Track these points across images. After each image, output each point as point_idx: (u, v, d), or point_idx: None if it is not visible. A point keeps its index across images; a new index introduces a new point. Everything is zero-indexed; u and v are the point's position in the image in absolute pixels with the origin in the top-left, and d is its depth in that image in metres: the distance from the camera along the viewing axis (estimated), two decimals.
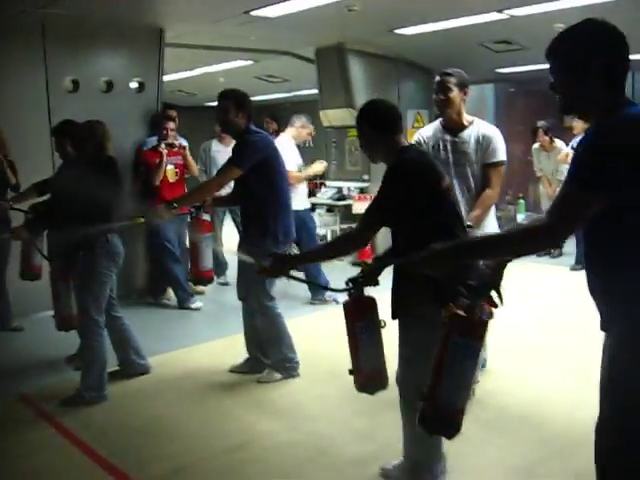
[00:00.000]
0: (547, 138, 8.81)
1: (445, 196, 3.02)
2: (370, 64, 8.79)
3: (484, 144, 4.24)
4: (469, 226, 3.84)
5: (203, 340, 5.77)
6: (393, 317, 3.02)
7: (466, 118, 4.31)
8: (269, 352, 4.85)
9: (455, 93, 4.21)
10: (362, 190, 9.29)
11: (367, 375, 2.90)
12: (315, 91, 9.35)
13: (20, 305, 6.11)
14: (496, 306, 2.46)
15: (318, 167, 7.17)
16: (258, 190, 4.51)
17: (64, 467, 3.69)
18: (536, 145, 9.10)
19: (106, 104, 6.87)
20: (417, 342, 2.93)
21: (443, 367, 2.36)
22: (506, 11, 6.54)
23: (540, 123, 8.89)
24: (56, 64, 6.65)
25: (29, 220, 5.10)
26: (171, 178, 6.90)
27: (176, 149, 6.89)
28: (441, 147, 4.29)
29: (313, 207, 8.57)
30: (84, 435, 4.03)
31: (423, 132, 4.49)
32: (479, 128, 4.29)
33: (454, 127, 4.29)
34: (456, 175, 4.22)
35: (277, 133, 7.52)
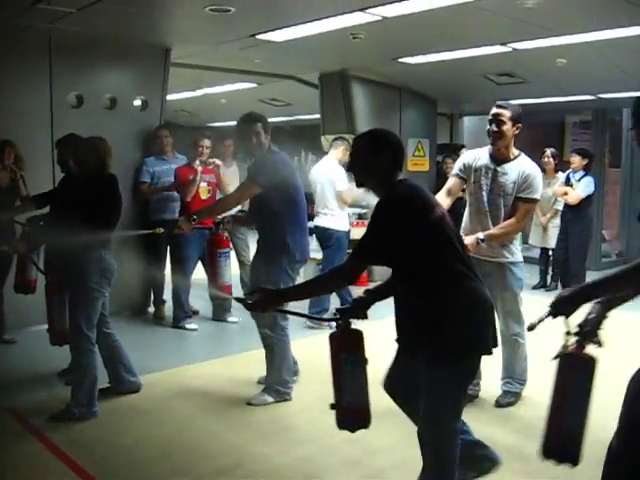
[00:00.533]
0: (553, 162, 8.62)
1: (439, 226, 2.88)
2: (373, 91, 8.86)
3: (523, 180, 4.41)
4: (482, 240, 4.31)
5: (196, 360, 5.74)
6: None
7: (512, 151, 4.49)
8: (268, 372, 4.81)
9: (508, 126, 4.37)
10: (360, 216, 9.30)
11: (348, 409, 2.82)
12: (317, 116, 9.41)
13: (14, 318, 6.06)
14: (600, 345, 2.53)
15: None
16: (276, 208, 4.55)
17: None
18: None
19: (109, 121, 6.90)
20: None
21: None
22: (510, 44, 6.61)
23: (550, 149, 8.77)
24: (61, 79, 6.69)
25: (27, 233, 5.10)
26: (203, 195, 6.95)
27: (210, 167, 6.93)
28: (483, 172, 4.48)
29: (310, 232, 8.62)
30: (72, 451, 3.98)
31: (469, 155, 4.69)
32: (522, 164, 4.47)
33: (500, 158, 4.46)
34: (489, 202, 4.45)
35: None
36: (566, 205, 8.27)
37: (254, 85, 9.85)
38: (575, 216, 8.18)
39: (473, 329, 2.81)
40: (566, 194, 8.09)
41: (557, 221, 8.53)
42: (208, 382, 5.10)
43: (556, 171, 8.71)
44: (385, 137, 3.08)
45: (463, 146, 11.81)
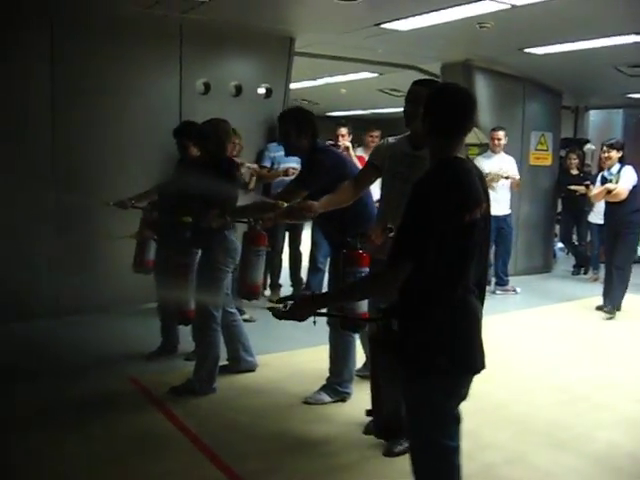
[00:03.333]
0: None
1: (468, 231, 2.44)
2: (496, 82, 8.68)
3: None
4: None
5: (308, 344, 5.81)
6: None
7: None
8: (335, 369, 4.63)
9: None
10: None
11: (387, 419, 2.63)
12: None
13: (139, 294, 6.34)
14: None
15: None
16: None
17: (171, 450, 3.84)
18: None
19: (234, 108, 7.10)
20: None
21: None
22: None
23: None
24: (190, 67, 6.95)
25: (150, 217, 5.29)
26: None
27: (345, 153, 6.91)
28: (399, 160, 3.84)
29: None
30: (190, 422, 4.17)
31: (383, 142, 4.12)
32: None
33: (418, 143, 3.73)
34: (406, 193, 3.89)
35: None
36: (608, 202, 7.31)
37: (375, 75, 9.85)
38: (624, 211, 7.11)
39: (459, 348, 2.48)
40: (609, 192, 7.11)
41: None
42: (320, 366, 5.15)
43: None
44: (449, 91, 2.57)
45: (588, 141, 11.42)
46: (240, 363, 5.05)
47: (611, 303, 7.16)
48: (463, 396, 2.57)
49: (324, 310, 2.72)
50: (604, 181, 7.30)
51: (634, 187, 7.02)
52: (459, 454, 2.55)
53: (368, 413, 2.65)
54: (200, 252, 4.66)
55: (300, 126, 4.36)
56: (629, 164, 7.18)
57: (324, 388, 4.64)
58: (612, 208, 7.22)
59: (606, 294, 7.29)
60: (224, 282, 4.67)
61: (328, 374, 4.65)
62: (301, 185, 4.30)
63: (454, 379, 2.51)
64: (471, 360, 2.51)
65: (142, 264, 5.47)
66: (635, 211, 7.06)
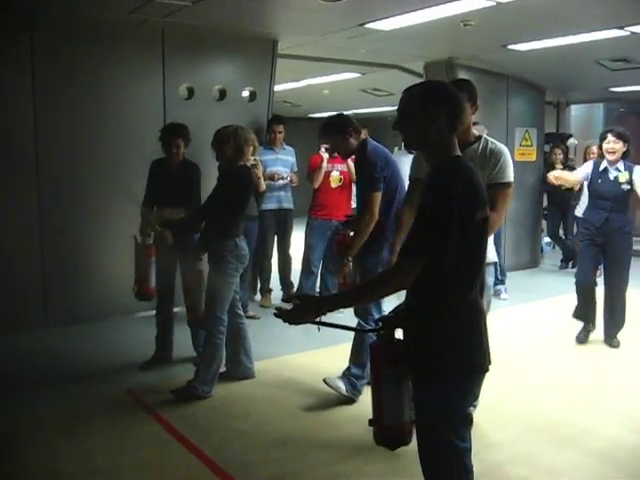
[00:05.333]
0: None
1: (477, 230, 2.43)
2: (480, 79, 8.58)
3: (491, 160, 3.83)
4: None
5: (304, 349, 5.77)
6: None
7: (473, 133, 3.95)
8: (353, 359, 4.68)
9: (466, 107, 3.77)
10: None
11: (388, 428, 2.53)
12: None
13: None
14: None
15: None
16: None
17: (171, 463, 3.77)
18: None
19: (218, 112, 7.04)
20: None
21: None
22: (628, 28, 6.34)
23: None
24: (173, 71, 6.88)
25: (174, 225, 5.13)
26: (333, 183, 7.12)
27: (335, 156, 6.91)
28: None
29: None
30: (189, 434, 4.10)
31: None
32: (487, 143, 3.92)
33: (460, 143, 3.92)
34: None
35: None
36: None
37: (357, 75, 9.82)
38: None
39: (471, 350, 2.46)
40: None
41: None
42: (320, 370, 5.11)
43: None
44: (438, 89, 2.53)
45: (570, 135, 11.48)
46: (239, 368, 5.02)
47: (615, 330, 5.95)
48: (476, 395, 2.55)
49: (328, 321, 2.61)
50: (604, 179, 5.81)
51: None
52: (470, 455, 2.52)
53: (370, 423, 2.58)
54: (209, 258, 4.74)
55: (343, 132, 4.61)
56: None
57: (343, 377, 4.65)
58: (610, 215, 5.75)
59: (606, 324, 5.99)
60: (232, 287, 4.73)
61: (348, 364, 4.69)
62: (375, 190, 4.49)
63: (470, 379, 2.51)
64: (483, 359, 2.50)
65: (147, 291, 5.21)
66: (631, 220, 5.90)
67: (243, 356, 5.02)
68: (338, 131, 4.65)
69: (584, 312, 6.04)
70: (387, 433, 2.55)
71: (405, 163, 5.77)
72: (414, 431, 2.54)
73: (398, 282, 2.42)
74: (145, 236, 5.13)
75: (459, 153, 2.51)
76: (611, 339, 5.94)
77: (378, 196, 4.49)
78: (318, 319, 2.50)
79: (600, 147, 5.93)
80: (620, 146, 5.70)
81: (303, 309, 2.49)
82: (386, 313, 2.72)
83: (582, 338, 6.04)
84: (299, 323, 2.49)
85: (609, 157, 5.74)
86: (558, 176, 6.41)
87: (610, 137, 5.73)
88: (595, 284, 6.01)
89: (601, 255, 5.87)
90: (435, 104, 2.44)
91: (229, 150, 4.66)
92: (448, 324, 2.41)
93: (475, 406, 4.35)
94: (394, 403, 2.48)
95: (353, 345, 4.68)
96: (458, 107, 2.49)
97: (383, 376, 2.49)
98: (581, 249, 6.15)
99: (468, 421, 2.56)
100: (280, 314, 2.51)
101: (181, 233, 4.99)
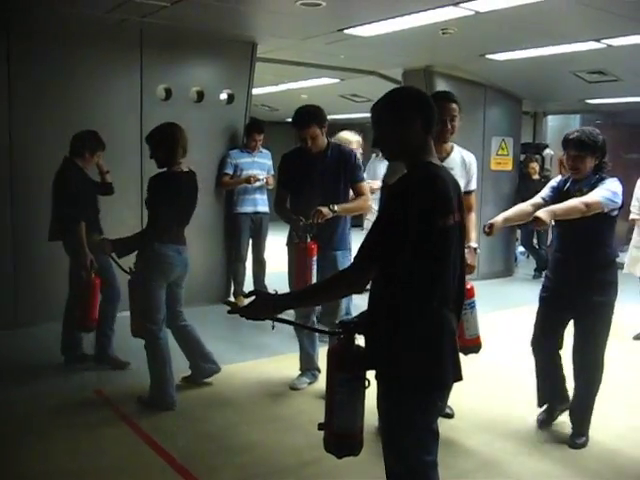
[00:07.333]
0: None
1: (442, 237, 2.37)
2: (457, 88, 8.67)
3: (471, 170, 4.20)
4: (475, 249, 4.24)
5: (275, 353, 5.76)
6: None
7: (449, 143, 4.17)
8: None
9: (457, 119, 4.05)
10: None
11: (337, 434, 2.48)
12: None
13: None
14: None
15: None
16: None
17: (138, 465, 3.74)
18: None
19: (196, 114, 7.03)
20: None
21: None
22: (604, 40, 6.41)
23: None
24: (151, 72, 6.84)
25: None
26: None
27: None
28: None
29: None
30: (156, 436, 4.07)
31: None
32: (461, 153, 4.19)
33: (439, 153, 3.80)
34: None
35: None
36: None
37: (336, 80, 9.82)
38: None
39: (428, 364, 2.39)
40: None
41: None
42: (287, 375, 5.10)
43: None
44: (410, 96, 2.52)
45: (547, 146, 11.59)
46: (198, 371, 4.94)
47: (582, 426, 4.12)
48: (440, 410, 2.53)
49: (285, 317, 2.66)
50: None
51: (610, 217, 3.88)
52: (436, 467, 2.49)
53: (320, 427, 2.53)
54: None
55: (322, 124, 4.59)
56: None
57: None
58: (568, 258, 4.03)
59: (572, 412, 4.20)
60: (156, 294, 4.50)
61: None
62: None
63: (427, 395, 2.43)
64: (443, 376, 2.42)
65: (91, 320, 5.06)
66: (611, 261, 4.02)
67: (198, 359, 4.91)
68: (320, 123, 4.55)
69: None
70: (335, 440, 2.50)
71: (381, 169, 5.83)
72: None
73: (350, 283, 2.46)
74: (92, 269, 4.99)
75: (433, 159, 2.48)
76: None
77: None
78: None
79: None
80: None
81: (257, 306, 2.49)
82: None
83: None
84: (253, 319, 2.50)
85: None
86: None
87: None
88: None
89: None
90: (409, 110, 2.44)
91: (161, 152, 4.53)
92: (403, 333, 2.36)
93: (451, 415, 4.40)
94: (345, 409, 2.43)
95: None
96: (431, 110, 2.47)
97: (336, 380, 2.44)
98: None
99: (435, 434, 2.49)
100: (233, 310, 2.55)
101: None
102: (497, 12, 5.43)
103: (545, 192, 4.14)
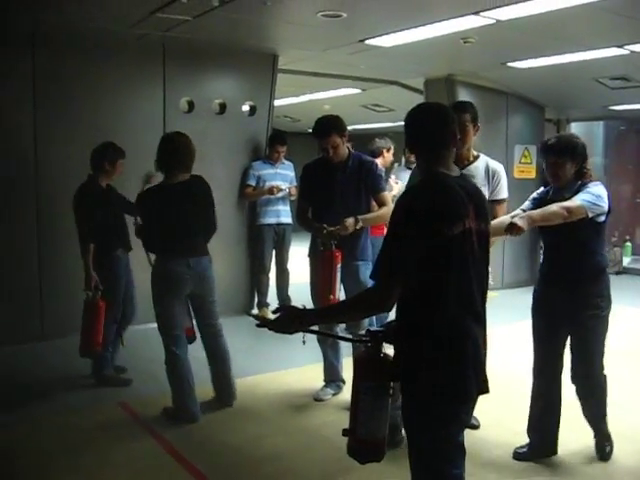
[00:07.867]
0: None
1: (454, 245, 2.36)
2: (479, 96, 8.68)
3: (494, 179, 4.19)
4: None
5: (297, 364, 5.74)
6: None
7: (473, 152, 4.21)
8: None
9: (470, 128, 4.08)
10: None
11: (360, 440, 2.49)
12: None
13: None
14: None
15: None
16: None
17: (163, 477, 3.76)
18: None
19: (218, 126, 7.09)
20: None
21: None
22: (627, 47, 6.36)
23: None
24: (174, 85, 6.91)
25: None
26: None
27: None
28: None
29: None
30: (180, 448, 4.09)
31: None
32: (488, 162, 4.22)
33: (461, 161, 4.00)
34: None
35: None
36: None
37: (358, 91, 9.85)
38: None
39: (449, 376, 2.39)
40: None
41: None
42: (311, 386, 5.09)
43: None
44: (428, 108, 2.72)
45: None
46: (217, 397, 4.83)
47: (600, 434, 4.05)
48: (464, 422, 2.51)
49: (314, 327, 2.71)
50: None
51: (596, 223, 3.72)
52: None
53: (344, 432, 2.54)
54: None
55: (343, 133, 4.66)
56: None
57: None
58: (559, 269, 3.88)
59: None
60: (168, 312, 4.49)
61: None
62: None
63: (448, 407, 2.42)
64: (465, 388, 2.41)
65: (96, 344, 5.03)
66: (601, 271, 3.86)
67: (217, 381, 4.80)
68: (340, 132, 4.57)
69: None
70: (359, 445, 2.51)
71: (405, 178, 5.85)
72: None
73: (373, 302, 2.45)
74: (96, 291, 5.00)
75: (447, 169, 2.50)
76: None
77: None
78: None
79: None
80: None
81: (285, 320, 2.53)
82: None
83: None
84: (281, 332, 2.53)
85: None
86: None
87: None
88: None
89: None
90: (421, 123, 2.55)
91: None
92: (423, 344, 2.37)
93: (477, 427, 4.37)
94: (369, 417, 2.44)
95: None
96: (453, 125, 2.54)
97: (362, 388, 2.45)
98: None
99: (460, 447, 2.48)
100: (262, 324, 2.60)
101: None
102: (518, 20, 5.41)
103: (526, 204, 3.94)
